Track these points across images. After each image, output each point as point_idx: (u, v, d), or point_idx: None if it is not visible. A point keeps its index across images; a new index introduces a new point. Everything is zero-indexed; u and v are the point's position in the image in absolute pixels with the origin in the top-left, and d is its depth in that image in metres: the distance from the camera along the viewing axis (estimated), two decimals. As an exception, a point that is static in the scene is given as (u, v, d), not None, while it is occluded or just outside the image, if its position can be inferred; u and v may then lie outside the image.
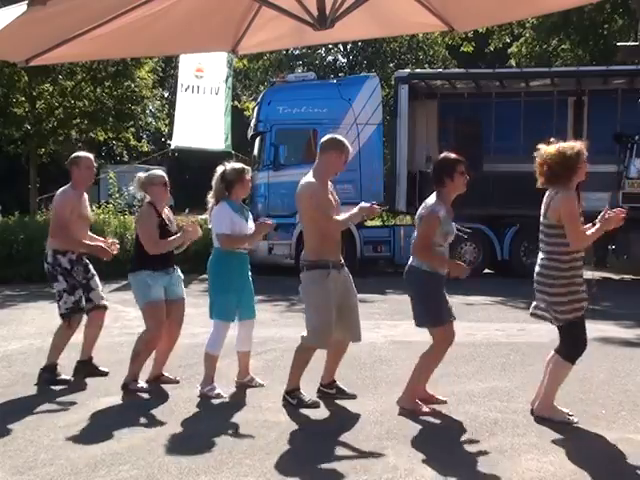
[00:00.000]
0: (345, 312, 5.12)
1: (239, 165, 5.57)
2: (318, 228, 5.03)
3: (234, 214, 5.41)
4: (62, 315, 5.81)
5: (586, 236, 4.63)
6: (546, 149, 4.69)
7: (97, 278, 6.05)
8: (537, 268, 4.77)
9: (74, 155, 6.03)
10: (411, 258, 5.04)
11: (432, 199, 4.94)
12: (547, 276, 4.66)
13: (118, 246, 6.08)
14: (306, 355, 5.14)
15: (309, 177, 5.07)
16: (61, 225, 5.80)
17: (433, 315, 4.92)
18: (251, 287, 5.60)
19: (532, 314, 4.86)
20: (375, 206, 5.13)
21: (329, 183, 5.19)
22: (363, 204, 5.15)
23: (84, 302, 5.87)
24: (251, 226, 5.55)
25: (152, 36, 4.25)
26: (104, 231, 14.14)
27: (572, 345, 4.69)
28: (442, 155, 5.12)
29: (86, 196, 6.09)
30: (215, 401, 5.26)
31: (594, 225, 4.67)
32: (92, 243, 5.98)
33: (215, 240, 5.51)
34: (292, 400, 5.09)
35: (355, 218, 5.20)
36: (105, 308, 6.07)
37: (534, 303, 4.81)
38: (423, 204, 5.00)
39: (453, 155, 5.02)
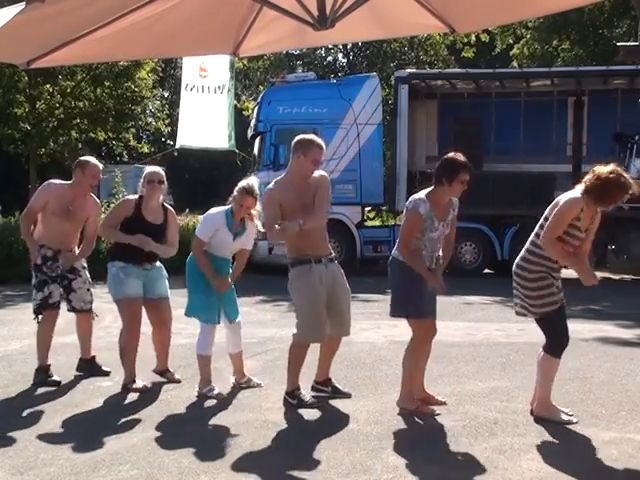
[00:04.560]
0: (334, 307, 5.10)
1: (249, 185, 5.33)
2: None
3: (223, 225, 5.34)
4: (33, 311, 5.76)
5: (558, 246, 4.55)
6: (601, 170, 4.59)
7: (84, 279, 5.91)
8: (518, 258, 4.81)
9: (83, 159, 5.93)
10: (394, 248, 5.05)
11: (420, 194, 4.89)
12: (522, 267, 4.73)
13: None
14: (299, 353, 5.12)
15: (272, 182, 5.07)
16: (27, 213, 5.81)
17: (406, 304, 4.88)
18: (232, 289, 5.54)
19: (516, 312, 4.89)
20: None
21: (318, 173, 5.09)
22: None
23: (56, 299, 5.76)
24: (243, 241, 5.48)
25: (152, 38, 4.25)
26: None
27: (553, 339, 4.71)
28: (451, 155, 4.91)
29: (93, 198, 6.00)
30: (215, 401, 5.26)
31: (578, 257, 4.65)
32: (30, 237, 5.80)
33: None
34: (292, 400, 5.09)
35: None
36: (88, 312, 5.97)
37: (515, 300, 4.85)
38: (410, 197, 4.97)
39: (462, 159, 4.84)
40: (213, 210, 5.46)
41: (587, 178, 4.64)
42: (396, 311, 5.00)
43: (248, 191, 5.29)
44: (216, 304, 5.39)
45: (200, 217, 15.14)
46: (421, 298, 4.87)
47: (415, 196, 4.92)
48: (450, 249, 5.15)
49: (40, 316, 5.74)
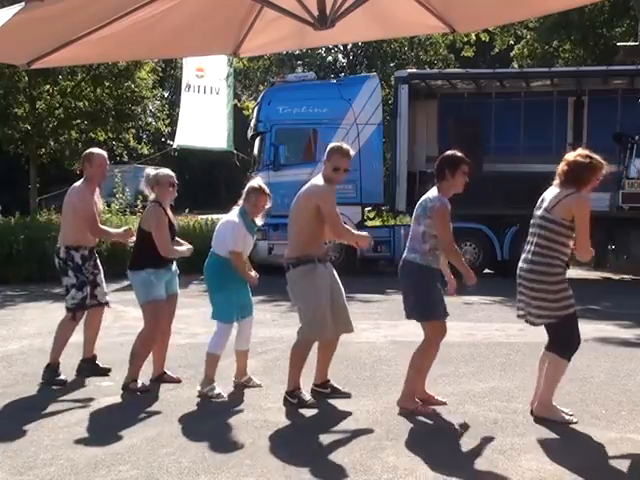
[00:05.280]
0: (336, 305, 5.18)
1: (260, 185, 5.52)
2: (314, 227, 5.08)
3: (245, 230, 5.45)
4: (68, 308, 5.86)
5: (590, 248, 4.68)
6: (569, 155, 4.74)
7: (102, 274, 6.08)
8: (525, 265, 4.75)
9: (88, 151, 6.09)
10: (405, 252, 5.06)
11: (434, 192, 4.95)
12: (539, 272, 4.65)
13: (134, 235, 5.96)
14: (303, 351, 5.17)
15: (320, 180, 5.13)
16: (89, 218, 5.82)
17: (425, 308, 4.92)
18: (247, 286, 5.59)
19: (523, 318, 4.85)
20: (369, 240, 5.29)
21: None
22: (363, 234, 5.38)
23: (89, 300, 5.91)
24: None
25: (153, 39, 4.26)
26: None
27: (566, 342, 4.72)
28: (449, 152, 5.10)
29: (98, 191, 6.14)
30: (215, 401, 5.27)
31: None
32: (115, 231, 6.34)
33: (216, 244, 5.53)
34: (292, 399, 5.10)
35: (351, 239, 5.36)
36: (107, 305, 6.11)
37: (521, 305, 4.81)
38: (426, 198, 4.98)
39: (460, 154, 5.03)
40: (230, 218, 5.50)
41: (559, 169, 4.72)
42: (417, 316, 4.97)
43: (263, 191, 5.47)
44: (235, 303, 5.46)
45: (199, 217, 15.07)
46: (441, 301, 4.94)
47: (432, 195, 4.95)
48: None
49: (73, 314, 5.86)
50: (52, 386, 5.66)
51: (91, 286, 5.94)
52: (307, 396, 5.16)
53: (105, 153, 6.05)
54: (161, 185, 5.54)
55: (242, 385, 5.61)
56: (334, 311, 5.15)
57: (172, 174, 5.67)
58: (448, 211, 4.86)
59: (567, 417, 4.72)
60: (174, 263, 5.75)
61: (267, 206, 5.54)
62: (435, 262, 4.93)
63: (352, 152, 5.20)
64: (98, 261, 6.09)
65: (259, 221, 5.61)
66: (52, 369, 5.78)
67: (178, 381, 5.74)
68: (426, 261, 4.90)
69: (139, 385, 5.50)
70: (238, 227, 5.42)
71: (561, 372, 4.75)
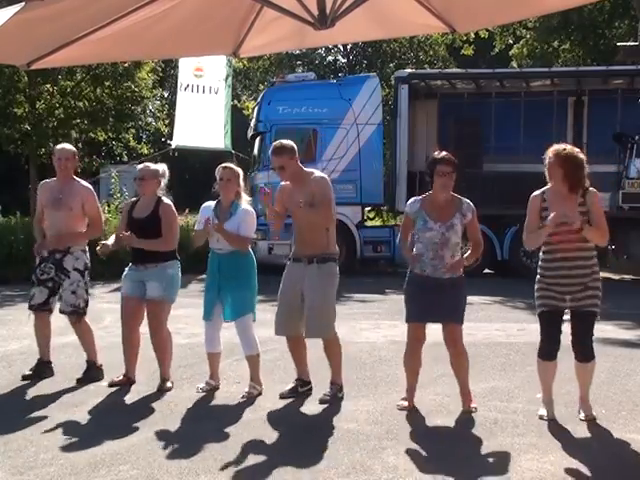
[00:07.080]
0: (305, 307, 5.22)
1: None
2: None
3: (210, 212, 5.46)
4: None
5: (528, 234, 4.75)
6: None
7: (71, 281, 5.73)
8: None
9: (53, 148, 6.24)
10: None
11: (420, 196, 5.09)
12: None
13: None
14: (287, 345, 5.45)
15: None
16: (36, 215, 6.01)
17: (405, 307, 5.09)
18: (233, 288, 5.35)
19: None
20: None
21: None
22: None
23: (37, 301, 5.76)
24: (232, 225, 5.36)
25: (153, 39, 4.25)
26: (104, 231, 14.15)
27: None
28: (433, 154, 5.15)
29: (80, 183, 5.93)
30: (215, 401, 5.27)
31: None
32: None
33: None
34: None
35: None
36: (72, 315, 5.82)
37: None
38: None
39: (441, 154, 4.97)
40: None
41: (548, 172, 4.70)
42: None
43: (222, 166, 5.57)
44: (211, 301, 5.42)
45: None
46: (412, 302, 4.99)
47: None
48: (476, 248, 5.14)
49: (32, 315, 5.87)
50: (45, 386, 5.62)
51: (55, 294, 5.78)
52: (292, 387, 5.31)
53: (69, 146, 6.08)
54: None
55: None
56: (304, 311, 5.21)
57: (141, 167, 5.86)
58: (405, 214, 5.07)
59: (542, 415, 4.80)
60: (156, 266, 5.52)
61: (222, 177, 5.45)
62: (418, 267, 4.95)
63: (284, 146, 5.19)
64: (68, 266, 5.74)
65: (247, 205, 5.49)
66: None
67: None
68: (412, 266, 5.00)
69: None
70: (202, 209, 5.59)
71: (539, 371, 4.81)
